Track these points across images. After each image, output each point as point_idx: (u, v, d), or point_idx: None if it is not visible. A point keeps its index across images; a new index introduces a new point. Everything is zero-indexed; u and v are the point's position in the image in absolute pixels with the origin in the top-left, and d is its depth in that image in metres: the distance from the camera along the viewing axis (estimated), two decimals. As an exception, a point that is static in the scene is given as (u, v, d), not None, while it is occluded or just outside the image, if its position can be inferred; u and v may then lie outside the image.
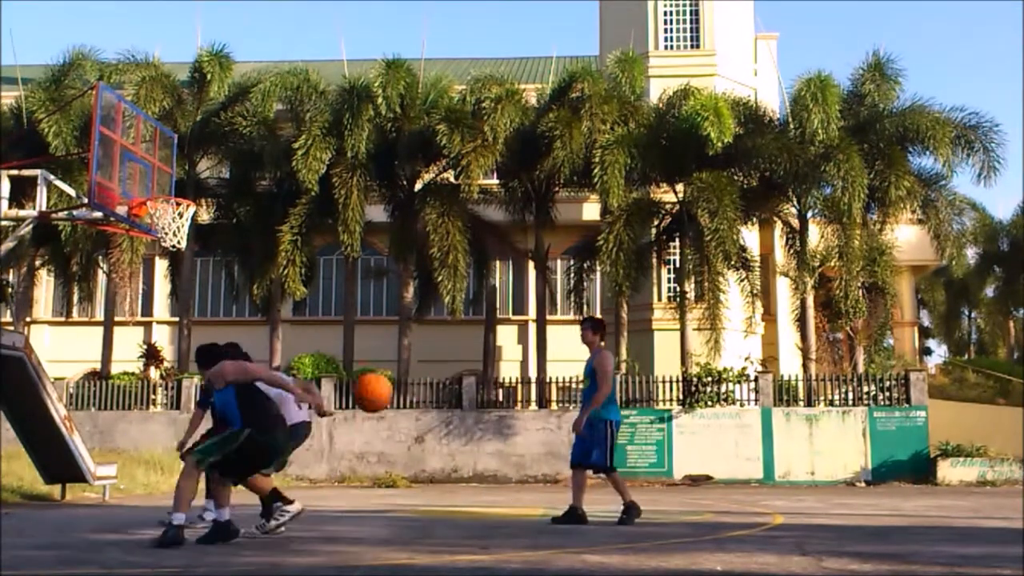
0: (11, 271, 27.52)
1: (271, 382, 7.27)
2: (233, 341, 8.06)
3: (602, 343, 9.29)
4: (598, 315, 29.25)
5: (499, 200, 27.21)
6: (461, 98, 26.27)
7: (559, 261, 30.51)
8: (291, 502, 7.57)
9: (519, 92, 25.54)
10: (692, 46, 29.40)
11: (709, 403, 23.17)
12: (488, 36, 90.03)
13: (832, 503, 13.68)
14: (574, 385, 24.88)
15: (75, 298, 28.24)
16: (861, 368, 25.12)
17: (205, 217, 26.62)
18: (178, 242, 13.37)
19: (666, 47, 29.36)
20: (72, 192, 14.39)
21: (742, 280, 25.00)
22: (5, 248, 13.63)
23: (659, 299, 27.97)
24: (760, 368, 24.45)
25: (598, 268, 25.82)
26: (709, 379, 23.25)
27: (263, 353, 26.97)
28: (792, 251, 25.92)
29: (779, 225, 27.03)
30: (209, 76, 26.47)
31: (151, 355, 27.25)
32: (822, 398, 23.50)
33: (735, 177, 24.59)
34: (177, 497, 6.95)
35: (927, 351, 44.21)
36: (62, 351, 29.68)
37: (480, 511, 11.94)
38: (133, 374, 26.20)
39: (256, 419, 6.97)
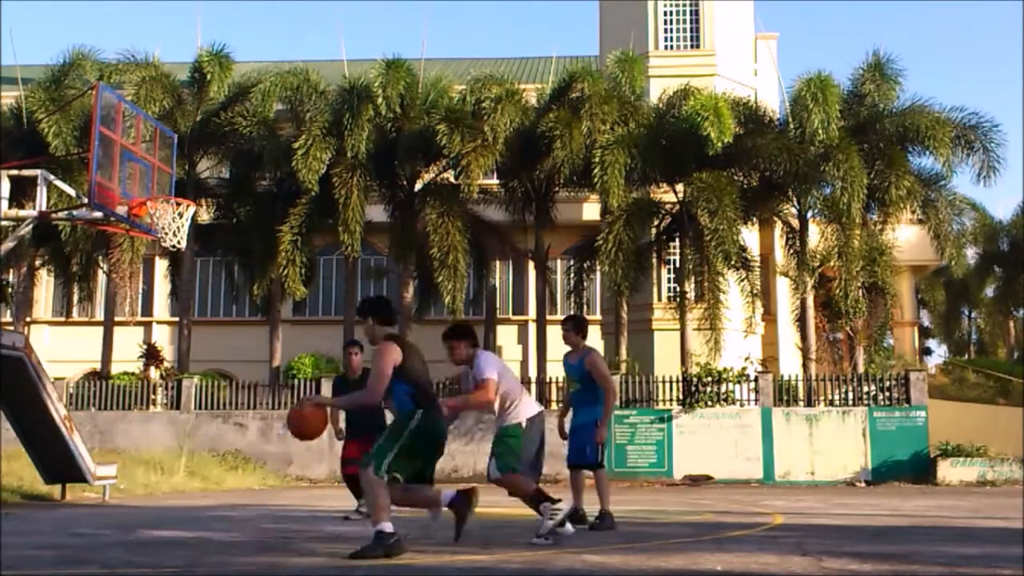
0: (11, 271, 27.51)
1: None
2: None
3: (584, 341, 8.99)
4: (598, 315, 29.38)
5: (499, 200, 27.21)
6: (461, 98, 26.26)
7: (559, 261, 30.52)
8: (557, 500, 7.08)
9: (519, 92, 25.54)
10: (692, 46, 29.39)
11: (709, 403, 23.15)
12: (488, 36, 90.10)
13: (832, 503, 13.67)
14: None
15: (75, 298, 28.24)
16: (861, 368, 25.10)
17: (205, 217, 26.61)
18: (178, 242, 13.37)
19: (666, 47, 29.35)
20: (72, 192, 14.39)
21: (742, 280, 25.00)
22: (5, 248, 13.62)
23: (659, 299, 27.97)
24: (760, 368, 24.43)
25: (598, 268, 25.82)
26: (709, 379, 23.23)
27: (263, 353, 27.02)
28: (792, 251, 25.92)
29: (779, 225, 27.03)
30: (209, 76, 26.46)
31: (151, 355, 27.23)
32: (822, 398, 23.49)
33: (735, 177, 24.60)
34: (373, 507, 6.11)
35: (927, 351, 44.24)
36: (62, 351, 29.66)
37: (480, 511, 11.93)
38: (133, 374, 26.18)
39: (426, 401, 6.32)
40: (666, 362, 25.51)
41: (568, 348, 9.07)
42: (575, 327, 9.02)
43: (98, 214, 12.46)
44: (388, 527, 5.91)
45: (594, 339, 29.77)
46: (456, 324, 7.85)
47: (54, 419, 13.32)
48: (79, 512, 11.74)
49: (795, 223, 25.86)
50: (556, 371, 24.98)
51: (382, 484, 5.98)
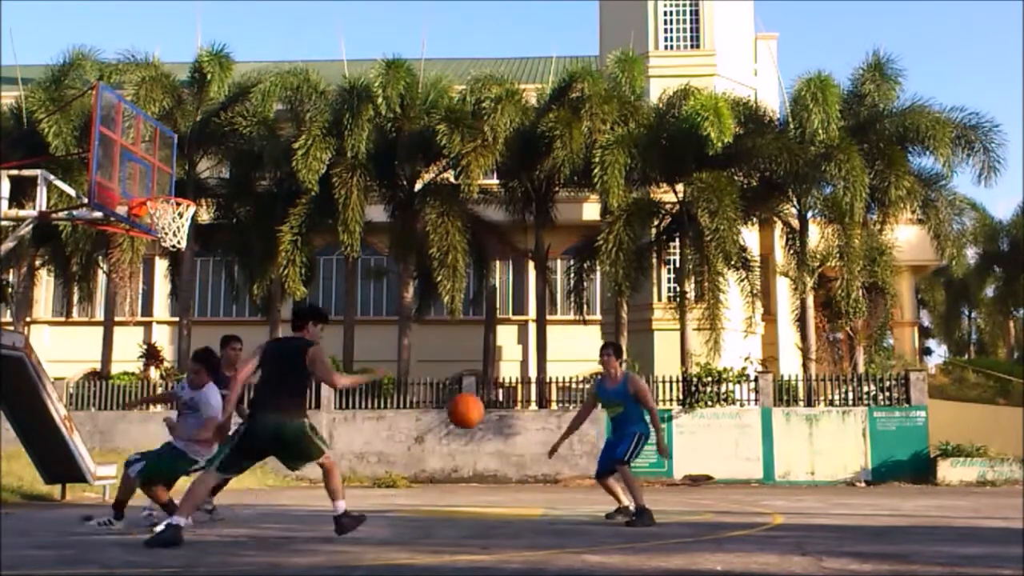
0: (11, 271, 27.51)
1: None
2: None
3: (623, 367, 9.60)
4: (598, 315, 29.41)
5: (499, 200, 27.21)
6: (461, 98, 26.27)
7: (559, 261, 30.51)
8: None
9: (519, 92, 25.54)
10: (692, 46, 29.41)
11: (709, 403, 23.16)
12: (488, 36, 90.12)
13: (832, 503, 13.67)
14: (574, 385, 24.89)
15: (75, 298, 28.23)
16: (861, 368, 25.11)
17: (205, 217, 26.61)
18: (178, 242, 13.35)
19: (666, 47, 29.36)
20: (72, 192, 14.38)
21: (742, 280, 25.00)
22: (5, 248, 13.61)
23: (659, 299, 27.97)
24: (760, 368, 24.45)
25: (598, 268, 25.82)
26: (709, 379, 23.24)
27: (263, 353, 26.92)
28: (792, 251, 25.92)
29: (779, 225, 27.03)
30: (209, 76, 26.45)
31: (151, 355, 27.24)
32: (822, 398, 23.51)
33: (735, 177, 24.60)
34: (186, 500, 7.02)
35: (927, 351, 44.26)
36: (62, 351, 29.66)
37: (480, 511, 11.95)
38: (133, 374, 26.18)
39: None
40: (666, 362, 25.51)
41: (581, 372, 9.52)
42: (617, 353, 9.51)
43: (98, 214, 12.43)
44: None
45: (594, 339, 29.80)
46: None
47: (54, 419, 13.31)
48: (79, 512, 11.73)
49: (795, 223, 25.85)
50: (556, 371, 25.11)
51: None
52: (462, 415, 7.90)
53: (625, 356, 25.41)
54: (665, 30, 29.47)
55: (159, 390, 25.06)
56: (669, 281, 27.93)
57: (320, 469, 7.17)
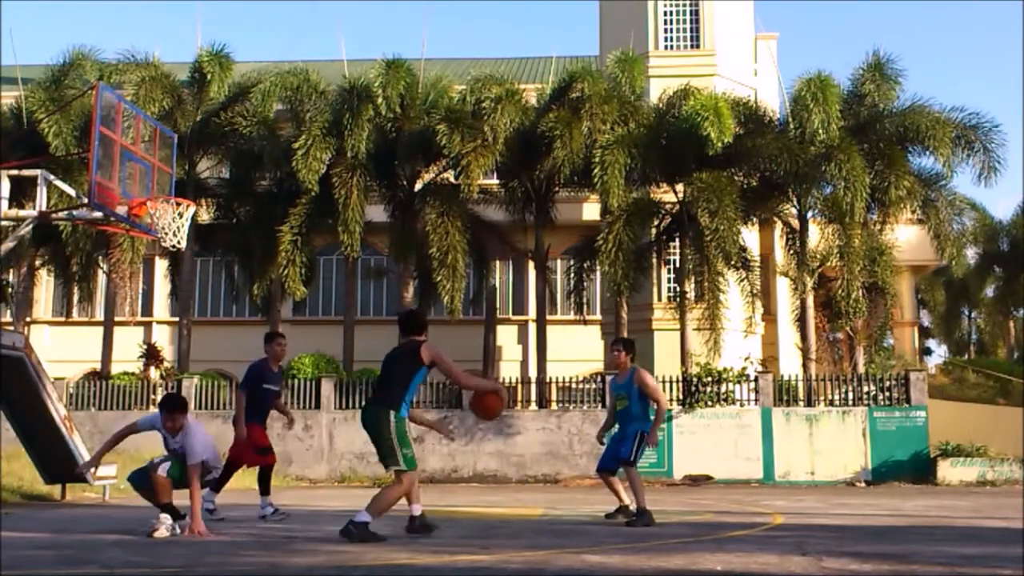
0: (11, 271, 27.51)
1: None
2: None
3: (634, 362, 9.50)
4: (598, 315, 29.41)
5: (499, 200, 27.21)
6: (461, 98, 26.28)
7: (559, 261, 30.52)
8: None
9: (519, 92, 25.54)
10: (692, 46, 29.40)
11: (709, 403, 23.16)
12: (488, 36, 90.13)
13: (832, 503, 13.67)
14: (574, 385, 24.87)
15: (75, 298, 28.24)
16: (861, 368, 25.11)
17: (205, 217, 26.62)
18: (178, 242, 13.35)
19: (666, 47, 29.36)
20: (72, 192, 14.37)
21: (742, 280, 25.00)
22: (5, 248, 13.61)
23: (659, 299, 27.97)
24: (760, 368, 24.44)
25: (598, 268, 25.81)
26: (709, 379, 23.23)
27: (263, 353, 26.95)
28: (792, 251, 25.92)
29: (779, 225, 27.03)
30: (209, 76, 26.46)
31: (151, 355, 27.23)
32: (822, 398, 23.49)
33: (735, 177, 24.60)
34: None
35: (927, 351, 44.27)
36: (62, 351, 29.66)
37: (480, 511, 11.95)
38: (133, 374, 26.17)
39: None
40: (666, 362, 25.50)
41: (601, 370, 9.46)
42: (627, 348, 9.48)
43: (98, 214, 12.43)
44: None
45: (594, 339, 29.84)
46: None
47: (54, 419, 13.32)
48: (79, 512, 11.74)
49: (795, 223, 25.85)
50: (556, 371, 25.09)
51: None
52: (481, 411, 8.08)
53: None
54: (665, 30, 29.46)
55: (159, 391, 25.08)
56: (669, 281, 27.92)
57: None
